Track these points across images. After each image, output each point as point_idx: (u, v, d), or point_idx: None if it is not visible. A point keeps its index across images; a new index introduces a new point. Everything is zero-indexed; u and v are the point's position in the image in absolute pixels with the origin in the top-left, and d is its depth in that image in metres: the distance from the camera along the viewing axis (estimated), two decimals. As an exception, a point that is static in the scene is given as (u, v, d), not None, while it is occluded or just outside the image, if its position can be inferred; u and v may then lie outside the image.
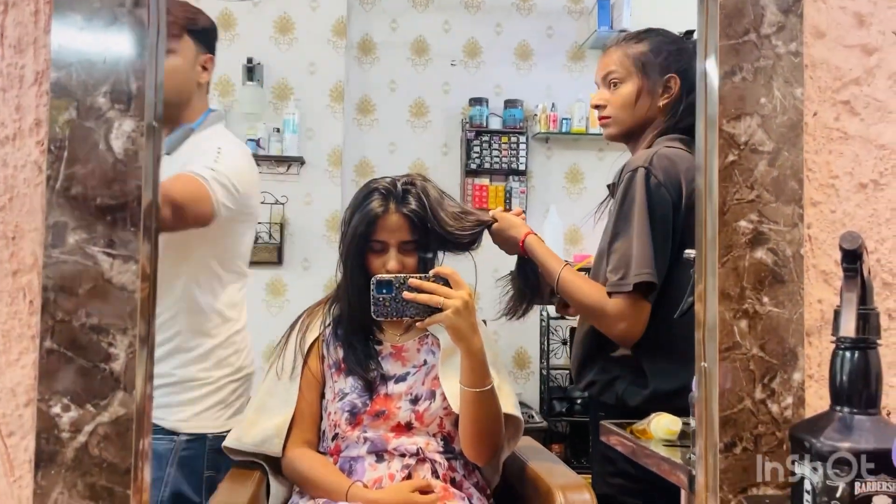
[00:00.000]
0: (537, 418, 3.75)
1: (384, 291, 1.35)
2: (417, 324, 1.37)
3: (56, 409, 0.74)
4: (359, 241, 1.50)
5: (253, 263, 3.67)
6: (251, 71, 3.68)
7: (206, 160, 1.56)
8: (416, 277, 1.35)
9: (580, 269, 1.71)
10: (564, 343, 3.93)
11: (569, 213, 3.94)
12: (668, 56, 1.52)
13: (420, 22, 4.11)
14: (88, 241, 0.74)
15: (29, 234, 0.77)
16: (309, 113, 3.78)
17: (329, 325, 1.59)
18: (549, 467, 1.60)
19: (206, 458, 1.54)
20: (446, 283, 1.36)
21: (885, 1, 0.87)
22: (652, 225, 1.40)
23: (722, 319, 0.80)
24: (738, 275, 0.80)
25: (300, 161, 3.73)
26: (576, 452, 3.79)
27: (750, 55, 0.81)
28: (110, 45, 0.76)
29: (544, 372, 3.91)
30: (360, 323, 1.56)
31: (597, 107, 1.59)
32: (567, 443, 3.86)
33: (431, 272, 1.37)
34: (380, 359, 1.54)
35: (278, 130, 3.72)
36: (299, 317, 1.64)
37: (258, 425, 1.51)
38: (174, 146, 1.64)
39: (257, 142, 3.67)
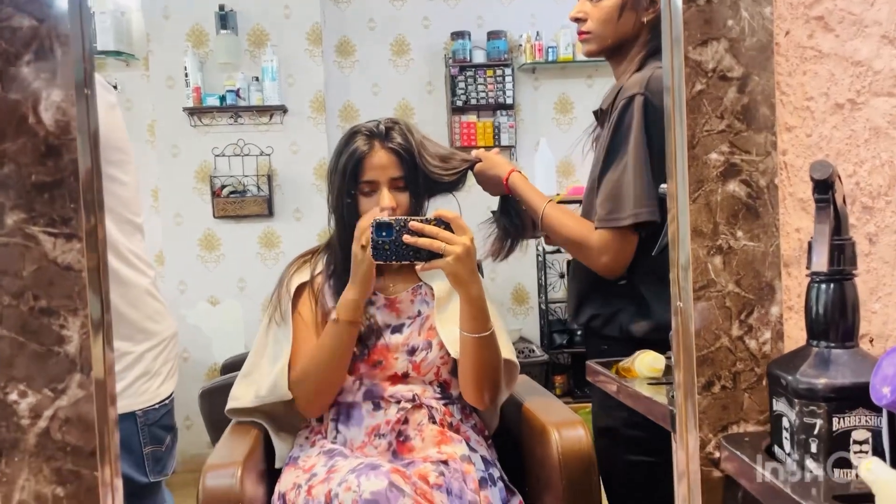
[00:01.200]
0: (538, 352, 3.77)
1: (384, 234, 1.31)
2: (417, 268, 1.34)
3: (13, 396, 0.72)
4: (348, 185, 1.47)
5: (243, 217, 3.68)
6: (224, 18, 3.57)
7: None
8: (417, 220, 1.31)
9: (562, 202, 1.67)
10: (562, 276, 3.92)
11: (560, 145, 3.87)
12: None
13: (395, -46, 3.96)
14: (28, 221, 0.71)
15: (-34, 217, 0.74)
16: (287, 59, 3.68)
17: (321, 272, 1.57)
18: (544, 405, 1.61)
19: (142, 434, 1.48)
20: (448, 227, 1.32)
21: None
22: (651, 155, 1.34)
23: (695, 257, 0.77)
24: (710, 210, 0.77)
25: (283, 109, 3.65)
26: (578, 383, 3.82)
27: (714, -26, 0.76)
28: (30, 7, 0.71)
29: (543, 306, 3.92)
30: None
31: (576, 20, 1.49)
32: (570, 374, 3.89)
33: (433, 214, 1.33)
34: (375, 309, 1.53)
35: (257, 79, 3.63)
36: (286, 268, 1.62)
37: (270, 375, 1.50)
38: None
39: (237, 92, 3.59)
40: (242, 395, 1.55)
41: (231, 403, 1.56)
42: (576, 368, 3.85)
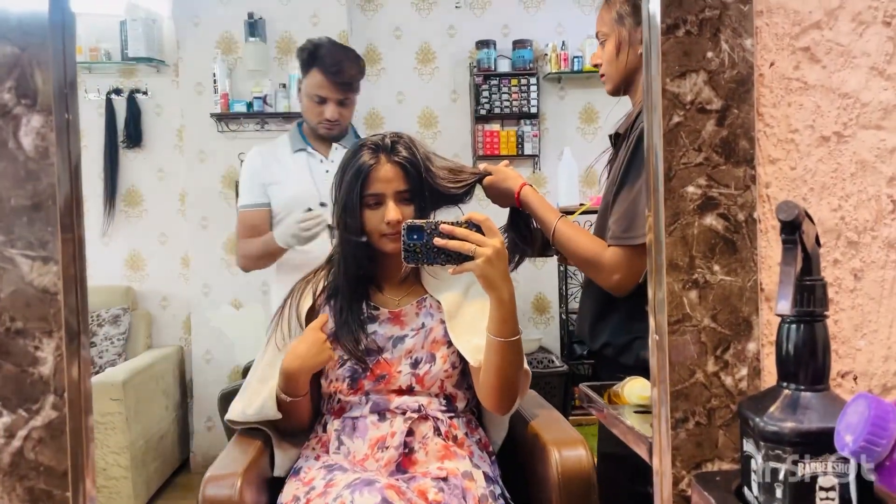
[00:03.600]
0: (558, 363, 3.75)
1: (415, 237, 1.30)
2: (448, 271, 1.34)
3: (-11, 415, 0.73)
4: (354, 198, 1.48)
5: (266, 223, 3.69)
6: (253, 26, 3.62)
7: None
8: (448, 223, 1.31)
9: (586, 212, 1.66)
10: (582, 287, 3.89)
11: (585, 155, 3.84)
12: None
13: (423, -35, 3.98)
14: (6, 244, 0.73)
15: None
16: (313, 66, 3.71)
17: (322, 292, 1.58)
18: (547, 422, 1.59)
19: None
20: (478, 229, 1.32)
21: (849, -67, 0.79)
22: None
23: (671, 290, 0.76)
24: (686, 244, 0.75)
25: (308, 116, 3.68)
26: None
27: (694, 6, 0.74)
28: (12, 35, 0.72)
29: (563, 316, 3.89)
30: (357, 288, 1.55)
31: (595, 65, 1.63)
32: (590, 386, 3.85)
33: (464, 217, 1.32)
34: (377, 324, 1.53)
35: (284, 86, 3.67)
36: (293, 288, 1.63)
37: (260, 395, 1.52)
38: None
39: (264, 99, 3.63)
40: (233, 408, 1.57)
41: (227, 415, 1.58)
42: (595, 380, 3.81)
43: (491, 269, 1.30)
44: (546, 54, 3.94)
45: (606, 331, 1.52)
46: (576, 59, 3.88)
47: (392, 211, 1.46)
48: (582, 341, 3.84)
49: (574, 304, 3.90)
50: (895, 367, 0.79)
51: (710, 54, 0.75)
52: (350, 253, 1.52)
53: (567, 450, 1.45)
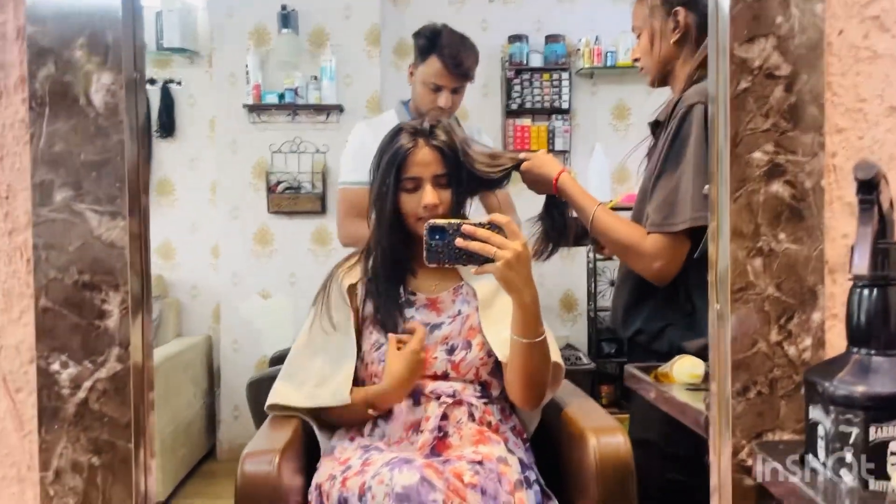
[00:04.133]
0: (585, 360, 3.73)
1: (437, 237, 1.30)
2: (471, 271, 1.34)
3: (55, 367, 0.74)
4: (392, 181, 1.48)
5: (297, 213, 3.75)
6: (286, 18, 3.64)
7: None
8: (470, 224, 1.31)
9: (615, 208, 1.66)
10: (612, 284, 3.87)
11: (616, 152, 3.81)
12: None
13: (456, -42, 3.98)
14: (75, 199, 0.74)
15: (21, 192, 0.77)
16: (346, 59, 3.73)
17: (363, 276, 1.58)
18: (584, 410, 1.58)
19: None
20: (501, 231, 1.32)
21: None
22: (708, 164, 1.34)
23: (734, 258, 0.75)
24: (751, 211, 0.75)
25: (339, 108, 3.70)
26: (625, 394, 3.76)
27: (764, -30, 0.74)
28: (85, -6, 0.73)
29: (592, 314, 3.87)
30: (394, 272, 1.54)
31: (635, 60, 1.65)
32: (617, 384, 3.84)
33: (486, 219, 1.32)
34: (414, 309, 1.53)
35: (316, 78, 3.69)
36: (334, 270, 1.63)
37: (330, 380, 1.51)
38: None
39: (295, 90, 3.66)
40: (288, 393, 1.54)
41: (275, 399, 1.55)
42: (623, 378, 3.79)
43: (511, 272, 1.30)
44: (579, 49, 3.92)
45: (640, 318, 1.51)
46: (609, 54, 3.86)
47: (430, 195, 1.46)
48: (610, 339, 3.82)
49: (602, 302, 3.88)
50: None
51: (779, 19, 0.74)
52: (386, 236, 1.52)
53: (605, 437, 1.44)
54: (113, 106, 0.73)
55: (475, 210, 1.67)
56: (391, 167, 1.48)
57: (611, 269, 3.88)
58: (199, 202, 3.92)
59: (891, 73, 0.78)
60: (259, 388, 2.12)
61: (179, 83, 3.87)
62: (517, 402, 1.50)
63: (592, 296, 3.88)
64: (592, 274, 3.85)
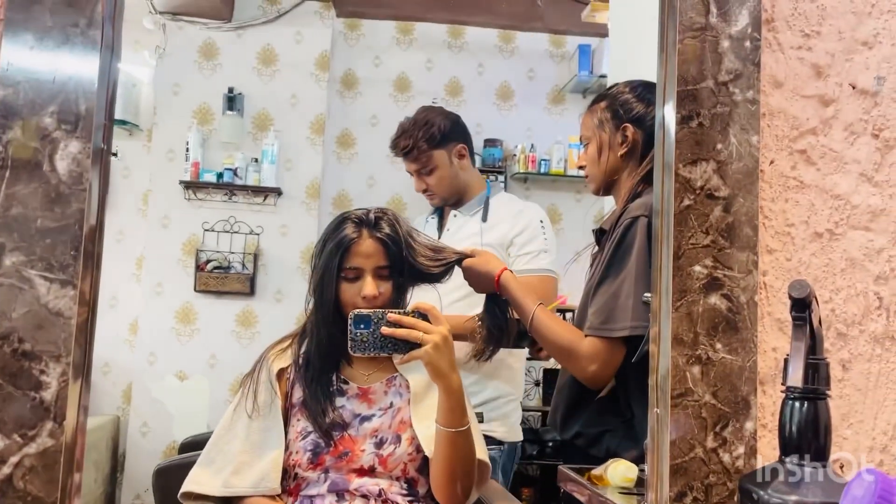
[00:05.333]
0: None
1: (362, 326, 1.31)
2: (395, 361, 1.34)
3: (-19, 438, 0.70)
4: (332, 269, 1.48)
5: (224, 293, 3.67)
6: (232, 101, 3.68)
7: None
8: (394, 312, 1.32)
9: (557, 310, 1.70)
10: (537, 384, 3.90)
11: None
12: (623, 105, 1.55)
13: (403, 59, 4.14)
14: (26, 264, 0.72)
15: (-31, 254, 0.75)
16: (288, 144, 3.77)
17: (294, 360, 1.55)
18: (509, 514, 1.57)
19: None
20: (425, 318, 1.33)
21: (842, 53, 0.88)
22: (649, 274, 1.38)
23: (675, 364, 0.78)
24: (691, 320, 0.79)
25: (277, 192, 3.71)
26: (545, 497, 3.73)
27: (707, 101, 0.81)
28: (61, 64, 0.74)
29: (516, 413, 3.87)
30: (328, 360, 1.53)
31: (580, 167, 1.69)
32: (537, 487, 3.80)
33: (410, 307, 1.34)
34: (345, 399, 1.51)
35: (256, 160, 3.70)
36: (265, 353, 1.60)
37: (253, 467, 1.45)
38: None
39: (234, 171, 3.65)
40: (206, 482, 1.47)
41: (190, 487, 1.47)
42: (544, 481, 3.77)
43: (438, 356, 1.31)
44: (515, 154, 4.09)
45: (579, 422, 1.52)
46: (543, 162, 4.03)
47: (369, 286, 1.47)
48: (533, 440, 3.80)
49: (527, 402, 3.89)
50: (879, 457, 0.83)
51: (719, 146, 0.81)
52: (323, 323, 1.51)
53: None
54: (77, 175, 0.73)
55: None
56: (334, 256, 1.48)
57: (536, 368, 3.92)
58: (123, 276, 3.80)
59: (816, 201, 0.86)
60: (167, 476, 2.00)
61: (115, 154, 3.81)
62: (442, 499, 1.47)
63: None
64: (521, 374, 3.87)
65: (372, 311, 1.32)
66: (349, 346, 1.32)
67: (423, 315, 1.33)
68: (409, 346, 1.31)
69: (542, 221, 2.14)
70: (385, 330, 1.30)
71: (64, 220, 0.73)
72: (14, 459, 0.70)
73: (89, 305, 0.73)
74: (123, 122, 3.69)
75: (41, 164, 0.73)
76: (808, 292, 0.64)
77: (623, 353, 1.40)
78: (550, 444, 3.69)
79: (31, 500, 0.70)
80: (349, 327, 1.31)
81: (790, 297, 0.65)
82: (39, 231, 0.72)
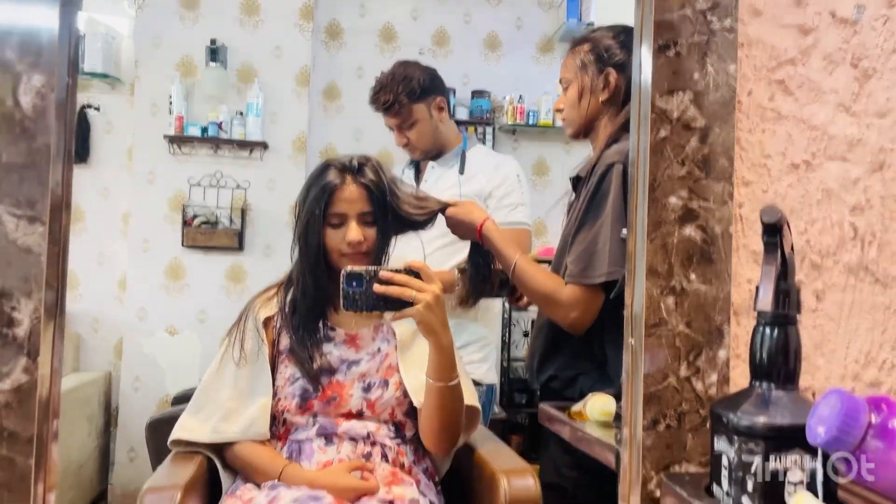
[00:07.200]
0: (497, 410, 3.74)
1: (354, 284, 1.30)
2: (387, 317, 1.34)
3: (-46, 375, 0.70)
4: (317, 216, 1.48)
5: (212, 248, 3.66)
6: (214, 52, 3.62)
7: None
8: (387, 270, 1.32)
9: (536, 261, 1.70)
10: (525, 335, 3.93)
11: (535, 206, 3.91)
12: (607, 51, 1.54)
13: (389, 9, 4.07)
14: (-8, 200, 0.71)
15: (-67, 192, 0.74)
16: (273, 97, 3.73)
17: (281, 308, 1.56)
18: (495, 452, 1.60)
19: None
20: (417, 275, 1.33)
21: (822, -19, 0.86)
22: (626, 219, 1.39)
23: (649, 296, 0.79)
24: (666, 251, 0.79)
25: (263, 145, 3.68)
26: (534, 445, 3.79)
27: (684, 30, 0.80)
28: (21, -4, 0.72)
29: (505, 364, 3.91)
30: (314, 306, 1.53)
31: (558, 110, 1.69)
32: (526, 434, 3.87)
33: (403, 264, 1.33)
34: (333, 345, 1.52)
35: (241, 114, 3.66)
36: (250, 302, 1.61)
37: (241, 413, 1.47)
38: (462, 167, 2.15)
39: (219, 125, 3.61)
40: (195, 428, 1.49)
41: (179, 434, 1.49)
42: (533, 429, 3.83)
43: (430, 314, 1.32)
44: (503, 106, 4.05)
45: (554, 365, 1.54)
46: (531, 113, 4.00)
47: (354, 231, 1.47)
48: (522, 389, 3.86)
49: (515, 352, 3.93)
50: (851, 384, 0.84)
51: (696, 75, 0.80)
52: (308, 270, 1.51)
53: (516, 479, 1.45)
54: (41, 109, 0.71)
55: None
56: (318, 202, 1.48)
57: (525, 320, 3.95)
58: (109, 232, 3.78)
59: (793, 132, 0.85)
60: (160, 428, 2.02)
61: (97, 108, 3.76)
62: (430, 448, 1.50)
63: (506, 346, 3.92)
64: (507, 324, 3.90)
65: (364, 268, 1.32)
66: (342, 303, 1.32)
67: (415, 273, 1.33)
68: (401, 303, 1.31)
69: (518, 175, 2.17)
70: (377, 288, 1.30)
71: (30, 155, 0.71)
72: (-11, 395, 0.70)
73: (60, 242, 0.73)
74: (104, 76, 3.63)
75: (4, 98, 0.72)
76: (778, 217, 0.64)
77: (602, 298, 1.41)
78: (538, 392, 3.74)
79: (7, 436, 0.70)
80: (341, 285, 1.31)
81: (761, 221, 0.65)
82: (4, 167, 0.71)
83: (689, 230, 0.80)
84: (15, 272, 0.71)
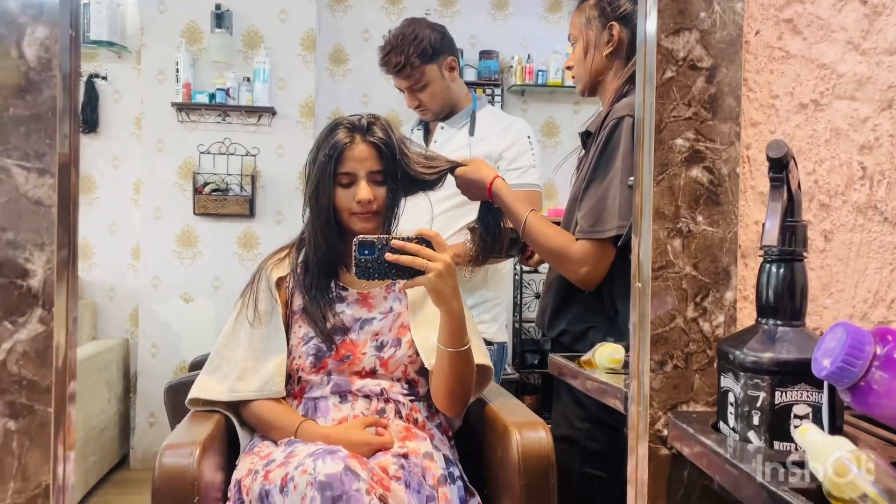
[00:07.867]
0: (509, 370, 3.78)
1: (366, 252, 1.31)
2: (399, 285, 1.35)
3: (-28, 325, 0.72)
4: (327, 176, 1.48)
5: (224, 216, 3.68)
6: (220, 18, 3.60)
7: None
8: (398, 238, 1.32)
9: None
10: (537, 297, 3.94)
11: (544, 168, 3.89)
12: (610, 4, 1.52)
13: (394, -31, 4.02)
14: (2, 154, 0.72)
15: (-57, 146, 0.75)
16: (280, 62, 3.71)
17: (293, 269, 1.57)
18: (507, 406, 1.61)
19: None
20: (429, 244, 1.34)
21: (831, -84, 0.85)
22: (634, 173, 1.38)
23: (656, 238, 0.79)
24: (672, 193, 0.79)
25: (271, 111, 3.67)
26: (547, 404, 3.82)
27: (689, -32, 0.79)
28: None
29: (517, 325, 3.93)
30: (326, 266, 1.54)
31: (568, 67, 1.66)
32: (539, 394, 3.90)
33: (414, 232, 1.34)
34: (345, 304, 1.53)
35: (248, 80, 3.65)
36: (263, 263, 1.62)
37: (257, 372, 1.49)
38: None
39: (227, 91, 3.60)
40: (212, 387, 1.51)
41: (197, 393, 1.51)
42: (545, 389, 3.86)
43: (441, 283, 1.32)
44: (511, 66, 4.01)
45: (565, 320, 1.55)
46: (540, 73, 3.96)
47: (364, 190, 1.47)
48: (534, 350, 3.88)
49: (526, 313, 3.95)
50: (859, 324, 0.84)
51: (703, 14, 0.79)
52: (320, 231, 1.52)
53: (528, 431, 1.47)
54: (46, 60, 0.72)
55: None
56: (328, 162, 1.48)
57: (536, 281, 3.96)
58: (121, 201, 3.80)
59: (801, 72, 0.84)
60: (178, 392, 2.05)
61: (105, 78, 3.76)
62: (442, 409, 1.52)
63: (518, 307, 3.94)
64: (518, 285, 3.91)
65: (376, 237, 1.32)
66: (354, 271, 1.33)
67: (426, 241, 1.34)
68: (413, 271, 1.32)
69: (529, 137, 2.16)
70: (389, 256, 1.31)
71: (36, 107, 0.72)
72: (6, 346, 0.72)
73: (70, 191, 0.73)
74: (111, 44, 3.62)
75: (9, 50, 0.72)
76: (784, 152, 0.64)
77: (613, 252, 1.41)
78: (550, 346, 3.76)
79: (26, 384, 0.71)
80: (353, 253, 1.32)
81: (767, 156, 0.65)
82: (12, 119, 0.72)
83: (696, 172, 0.80)
84: (26, 224, 0.72)
